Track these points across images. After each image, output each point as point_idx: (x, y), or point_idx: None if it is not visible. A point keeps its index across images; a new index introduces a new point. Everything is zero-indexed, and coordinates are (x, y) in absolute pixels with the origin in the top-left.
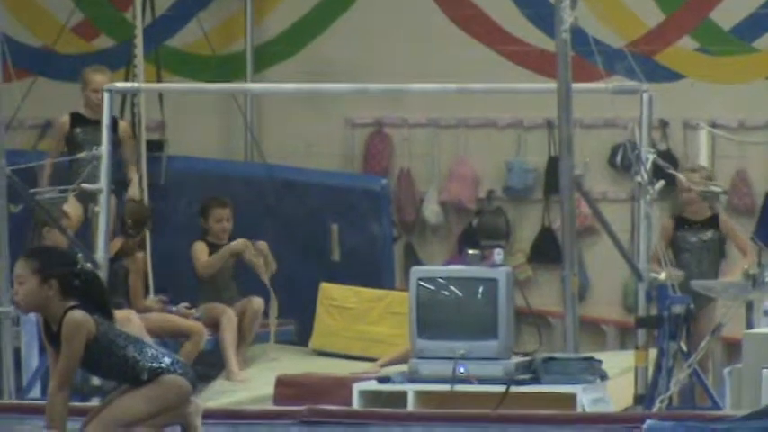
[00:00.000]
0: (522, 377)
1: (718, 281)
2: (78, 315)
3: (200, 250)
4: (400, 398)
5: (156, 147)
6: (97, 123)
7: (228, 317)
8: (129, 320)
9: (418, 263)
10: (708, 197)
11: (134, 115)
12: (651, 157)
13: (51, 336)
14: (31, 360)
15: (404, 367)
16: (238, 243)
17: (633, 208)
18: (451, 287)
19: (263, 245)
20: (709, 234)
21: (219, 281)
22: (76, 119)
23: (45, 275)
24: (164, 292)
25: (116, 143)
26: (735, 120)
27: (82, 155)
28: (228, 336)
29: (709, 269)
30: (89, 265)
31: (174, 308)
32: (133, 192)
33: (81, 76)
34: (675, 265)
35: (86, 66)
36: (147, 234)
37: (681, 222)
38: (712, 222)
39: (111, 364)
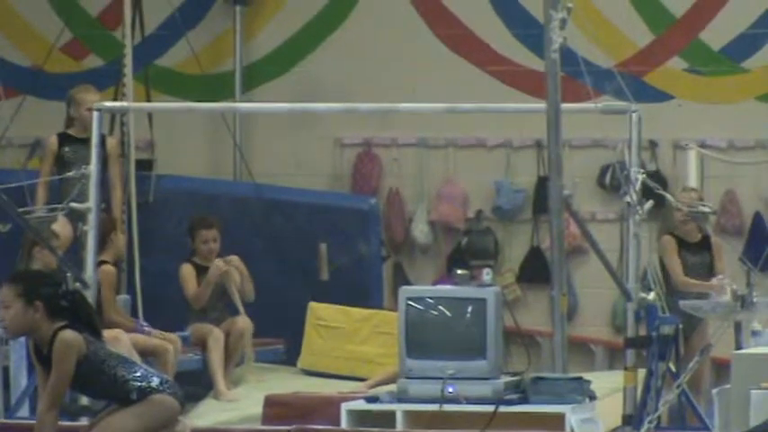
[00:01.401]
0: (510, 397)
1: (706, 301)
2: (69, 335)
3: (188, 275)
4: (389, 417)
5: (144, 166)
6: (85, 142)
7: (215, 337)
8: (117, 340)
9: (407, 282)
10: (698, 218)
11: (123, 134)
12: (640, 177)
13: (41, 356)
14: (20, 379)
15: (392, 387)
16: (216, 267)
17: (622, 228)
18: (440, 307)
19: (234, 259)
20: (705, 256)
21: (207, 301)
22: (64, 138)
23: (30, 298)
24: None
25: (104, 160)
26: (724, 140)
27: (71, 174)
28: (215, 355)
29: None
30: (78, 284)
31: (145, 327)
32: (115, 209)
33: (69, 96)
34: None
35: (75, 84)
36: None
37: (680, 242)
38: (705, 243)
39: (101, 384)
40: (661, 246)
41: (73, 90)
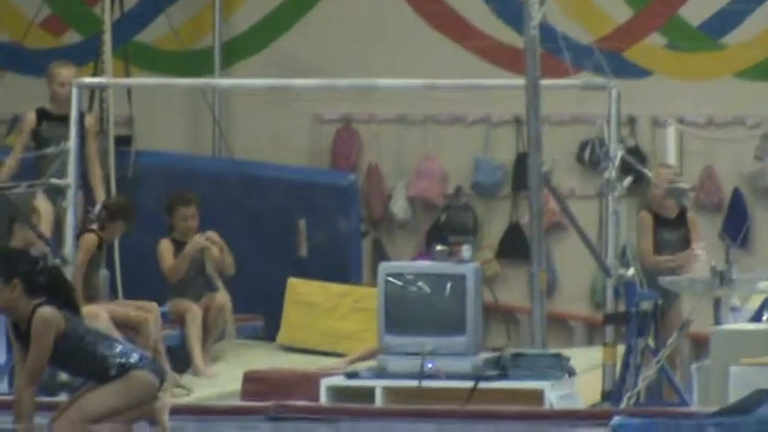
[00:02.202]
0: (490, 373)
1: (685, 277)
2: (48, 312)
3: (165, 250)
4: (368, 393)
5: (123, 141)
6: (63, 118)
7: (193, 313)
8: (96, 316)
9: (386, 258)
10: (676, 194)
11: (102, 110)
12: (619, 153)
13: (19, 333)
14: None
15: (372, 363)
16: (194, 242)
17: (601, 204)
18: (419, 283)
19: (213, 235)
20: (681, 232)
21: (185, 277)
22: (42, 114)
23: (7, 277)
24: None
25: (82, 137)
26: (703, 116)
27: (49, 150)
28: (193, 332)
29: (678, 266)
30: (57, 261)
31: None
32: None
33: (47, 71)
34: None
35: (54, 60)
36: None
37: (657, 218)
38: (681, 219)
39: (80, 360)
40: (638, 222)
41: (51, 65)
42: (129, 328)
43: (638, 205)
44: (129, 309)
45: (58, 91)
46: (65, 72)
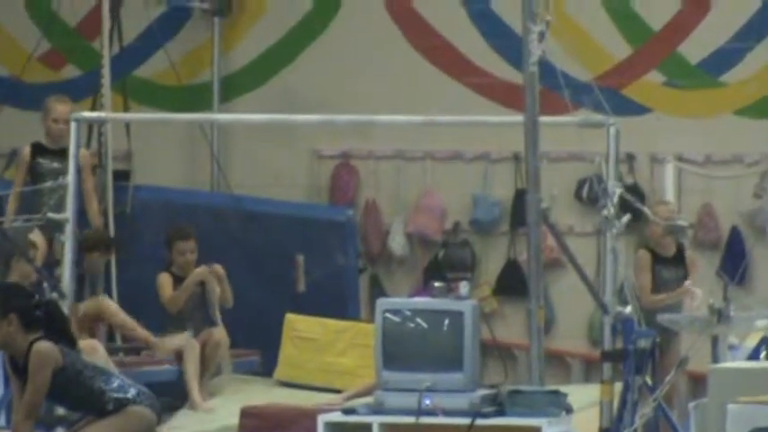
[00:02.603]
0: (487, 410)
1: (683, 315)
2: (45, 346)
3: (164, 283)
4: (365, 429)
5: (122, 176)
6: (58, 153)
7: (191, 347)
8: (94, 350)
9: (384, 294)
10: (674, 231)
11: (100, 145)
12: (618, 190)
13: (17, 367)
14: None
15: (369, 399)
16: (197, 273)
17: (599, 241)
18: (417, 319)
19: (218, 269)
20: (679, 270)
21: (184, 311)
22: (38, 149)
23: (3, 312)
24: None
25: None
26: (701, 154)
27: (47, 184)
28: (191, 366)
29: (676, 304)
30: (54, 295)
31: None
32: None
33: (43, 106)
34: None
35: (53, 95)
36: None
37: (655, 257)
38: (680, 257)
39: (78, 395)
40: (636, 260)
41: (47, 99)
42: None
43: (637, 243)
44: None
45: (51, 127)
46: (60, 108)
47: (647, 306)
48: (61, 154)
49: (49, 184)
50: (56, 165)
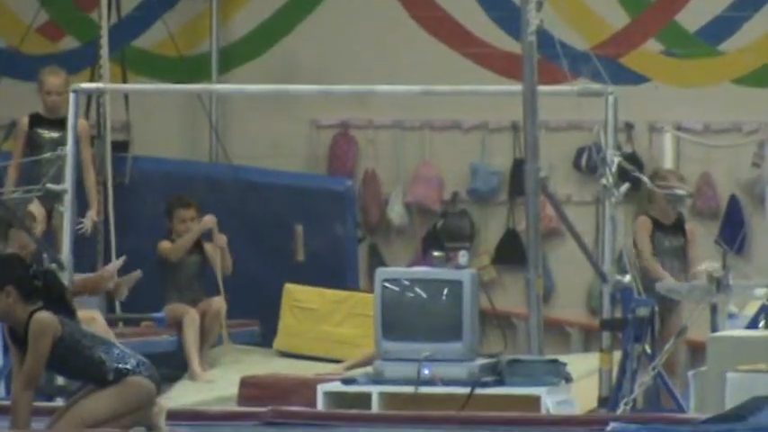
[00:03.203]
0: (486, 379)
1: (683, 284)
2: (45, 317)
3: (165, 244)
4: (365, 399)
5: (121, 147)
6: (56, 123)
7: (191, 317)
8: (93, 320)
9: (382, 264)
10: (673, 200)
11: (99, 115)
12: (616, 159)
13: (16, 337)
14: None
15: (368, 369)
16: (206, 220)
17: (598, 210)
18: (416, 289)
19: (222, 239)
20: (678, 239)
21: (183, 281)
22: (36, 119)
23: (1, 284)
24: None
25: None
26: (700, 123)
27: (47, 155)
28: (191, 336)
29: (678, 274)
30: (54, 265)
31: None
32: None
33: (37, 78)
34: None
35: (50, 66)
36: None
37: (655, 223)
38: (679, 226)
39: (78, 365)
40: (636, 226)
41: (41, 71)
42: None
43: (635, 211)
44: None
45: (45, 99)
46: (52, 80)
47: (644, 268)
48: (59, 124)
49: (48, 155)
50: (54, 135)
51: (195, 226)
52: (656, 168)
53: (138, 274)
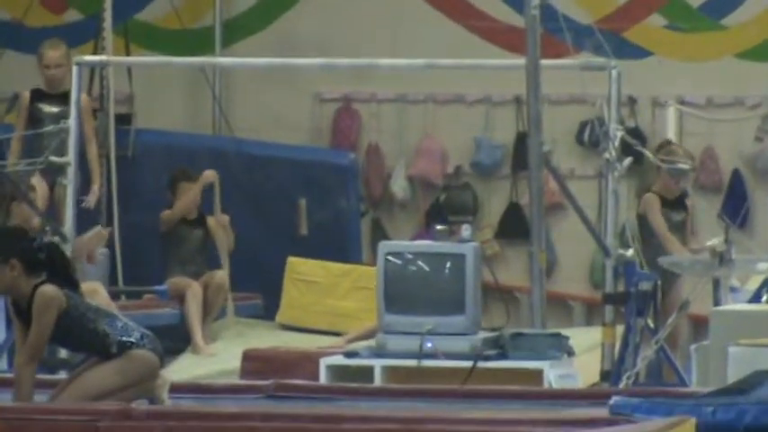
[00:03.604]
0: (489, 353)
1: (685, 257)
2: (49, 290)
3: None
4: (367, 373)
5: (124, 120)
6: (57, 97)
7: (193, 291)
8: (96, 293)
9: (386, 238)
10: (675, 174)
11: (102, 88)
12: (619, 133)
13: (20, 310)
14: None
15: (371, 342)
16: (206, 175)
17: (601, 184)
18: (419, 262)
19: (224, 218)
20: (682, 213)
21: (185, 254)
22: (37, 94)
23: (5, 258)
24: None
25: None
26: (703, 97)
27: (49, 128)
28: (193, 310)
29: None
30: (57, 238)
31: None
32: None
33: (38, 51)
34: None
35: (54, 39)
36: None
37: (662, 200)
38: (681, 201)
39: (82, 338)
40: (645, 203)
41: (41, 45)
42: None
43: (639, 185)
44: None
45: (44, 72)
46: (50, 54)
47: (666, 245)
48: (59, 99)
49: (51, 128)
50: (55, 109)
51: (198, 199)
52: (664, 141)
53: (101, 231)
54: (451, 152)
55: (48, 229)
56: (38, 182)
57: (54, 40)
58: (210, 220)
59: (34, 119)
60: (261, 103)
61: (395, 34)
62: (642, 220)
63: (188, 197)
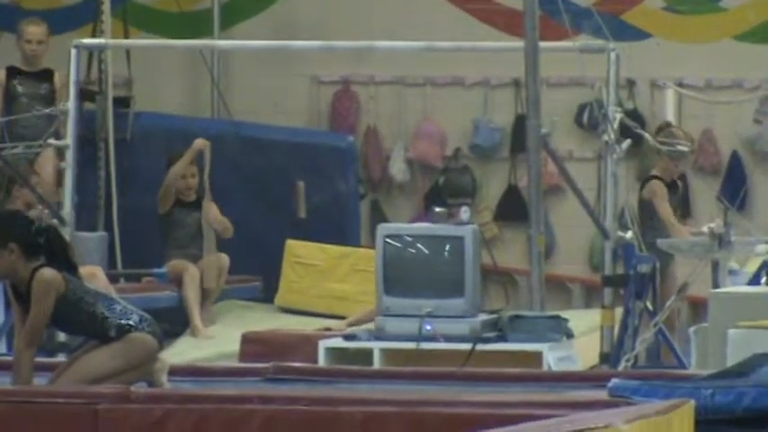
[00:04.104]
0: (488, 335)
1: (684, 239)
2: (48, 273)
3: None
4: (366, 355)
5: (122, 103)
6: (33, 75)
7: (191, 274)
8: (94, 276)
9: (384, 220)
10: (674, 156)
11: (101, 71)
12: (618, 116)
13: (19, 294)
14: None
15: (370, 325)
16: (198, 141)
17: (600, 167)
18: (418, 245)
19: (214, 210)
20: (677, 194)
21: (183, 237)
22: (13, 72)
23: (3, 242)
24: None
25: (51, 94)
26: (702, 79)
27: (49, 110)
28: (191, 292)
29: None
30: (55, 221)
31: None
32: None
33: (17, 29)
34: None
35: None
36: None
37: (667, 186)
38: (676, 182)
39: (80, 321)
40: (652, 191)
41: (21, 22)
42: None
43: (637, 167)
44: None
45: (25, 48)
46: (32, 29)
47: (673, 233)
48: (36, 76)
49: (49, 110)
50: (32, 88)
51: (194, 182)
52: (663, 123)
53: None
54: (450, 135)
55: (47, 212)
56: (49, 160)
57: (34, 17)
58: (206, 204)
59: (10, 97)
60: (259, 86)
61: (393, 16)
62: (644, 204)
63: (178, 165)
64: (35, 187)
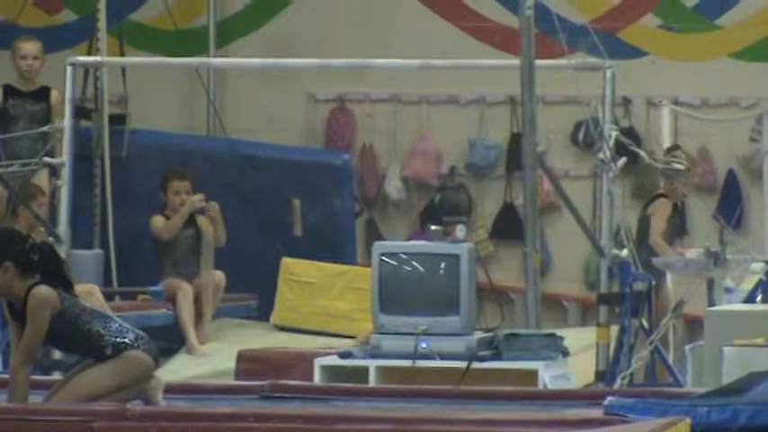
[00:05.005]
0: (483, 353)
1: (679, 258)
2: (44, 291)
3: (157, 220)
4: (362, 373)
5: (118, 120)
6: (29, 95)
7: (184, 292)
8: (90, 294)
9: (380, 238)
10: (670, 176)
11: (96, 89)
12: (614, 133)
13: (14, 312)
14: None
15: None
16: (194, 199)
17: (595, 185)
18: (414, 263)
19: (214, 206)
20: (679, 215)
21: (179, 255)
22: (9, 90)
23: None
24: None
25: (47, 113)
26: (697, 97)
27: (45, 128)
28: (185, 311)
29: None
30: (51, 239)
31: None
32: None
33: (11, 47)
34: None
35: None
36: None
37: (674, 207)
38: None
39: (76, 339)
40: (657, 205)
41: (15, 40)
42: None
43: (633, 186)
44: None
45: (20, 64)
46: (26, 45)
47: (653, 244)
48: (33, 95)
49: (47, 128)
50: (28, 107)
51: (189, 199)
52: (672, 145)
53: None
54: (446, 153)
55: (42, 230)
56: (44, 178)
57: (28, 35)
58: (202, 221)
59: (7, 117)
60: (255, 104)
61: (389, 35)
62: (646, 220)
63: (176, 220)
64: (33, 207)
